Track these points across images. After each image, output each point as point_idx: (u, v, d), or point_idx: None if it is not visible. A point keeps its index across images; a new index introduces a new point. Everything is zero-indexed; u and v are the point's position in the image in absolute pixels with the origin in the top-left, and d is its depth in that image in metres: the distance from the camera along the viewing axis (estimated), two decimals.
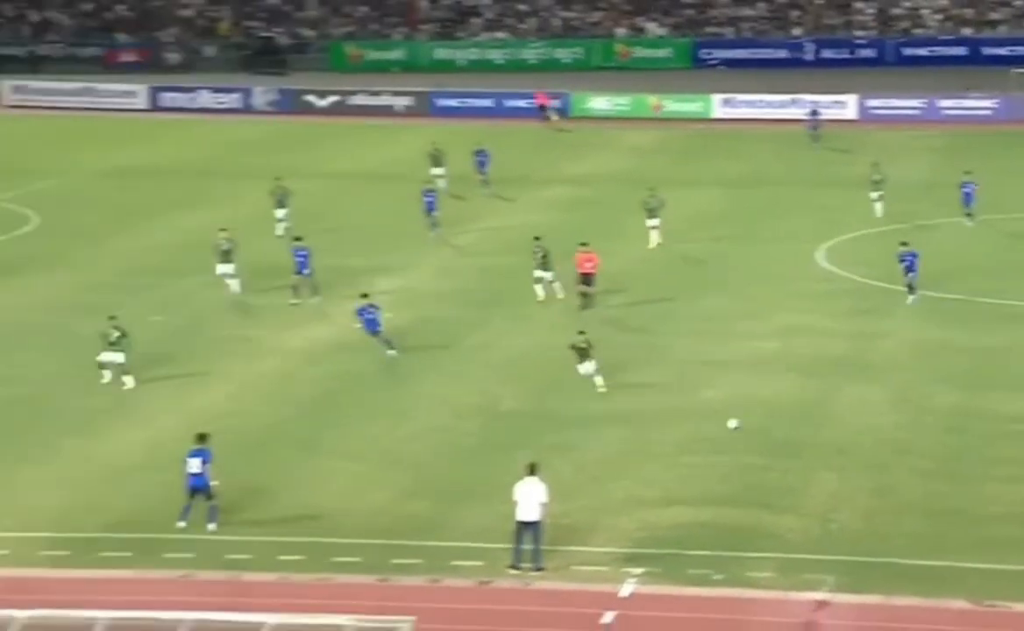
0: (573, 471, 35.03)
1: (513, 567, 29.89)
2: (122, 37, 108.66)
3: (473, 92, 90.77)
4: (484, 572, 30.06)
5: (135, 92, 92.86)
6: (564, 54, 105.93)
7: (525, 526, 29.94)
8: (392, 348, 42.44)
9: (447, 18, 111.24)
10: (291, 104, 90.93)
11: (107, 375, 40.19)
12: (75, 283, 51.33)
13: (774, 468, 35.20)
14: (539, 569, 29.88)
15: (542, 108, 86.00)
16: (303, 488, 34.06)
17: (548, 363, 41.94)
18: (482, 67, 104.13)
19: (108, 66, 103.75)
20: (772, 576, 29.76)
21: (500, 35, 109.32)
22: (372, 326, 42.41)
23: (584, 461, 35.82)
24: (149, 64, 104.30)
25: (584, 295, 47.26)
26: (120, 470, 35.15)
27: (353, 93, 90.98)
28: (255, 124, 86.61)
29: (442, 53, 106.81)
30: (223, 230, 49.61)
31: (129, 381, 40.22)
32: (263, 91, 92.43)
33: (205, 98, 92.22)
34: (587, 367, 39.47)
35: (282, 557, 30.40)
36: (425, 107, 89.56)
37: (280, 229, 56.12)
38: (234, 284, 48.83)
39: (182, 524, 31.57)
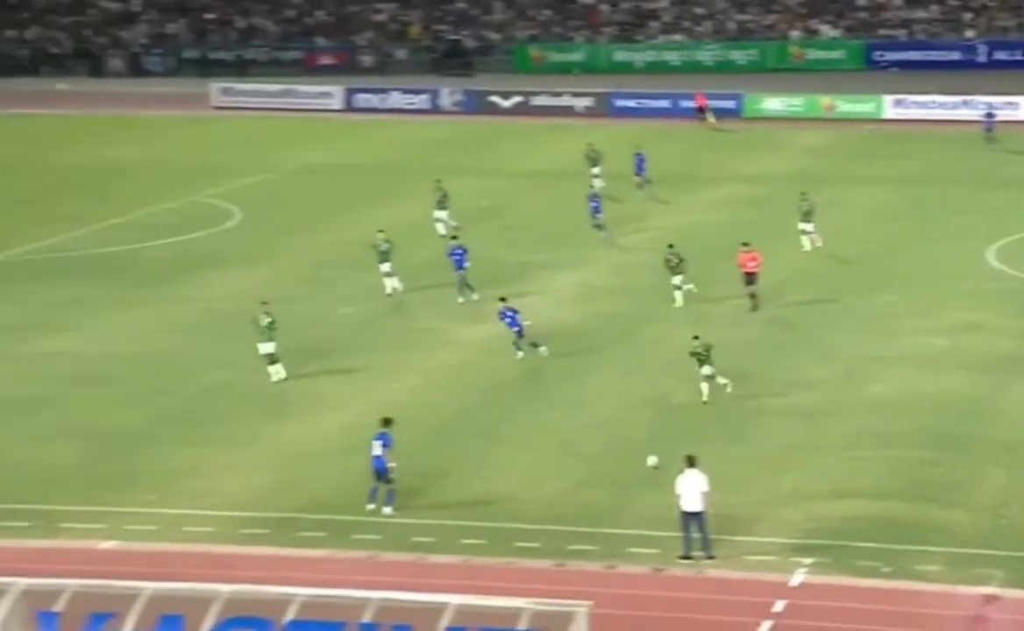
0: (743, 463, 34.76)
1: (684, 556, 29.73)
2: (321, 41, 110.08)
3: (650, 93, 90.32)
4: (658, 559, 29.97)
5: (331, 93, 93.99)
6: (739, 56, 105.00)
7: (690, 516, 29.76)
8: (539, 346, 41.93)
9: (626, 21, 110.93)
10: (476, 104, 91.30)
11: (275, 372, 40.17)
12: (273, 275, 52.11)
13: (942, 463, 34.56)
14: (710, 557, 29.69)
15: (701, 109, 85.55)
16: (484, 475, 34.23)
17: (719, 358, 41.57)
18: (659, 69, 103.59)
19: (308, 69, 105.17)
20: (941, 570, 29.24)
21: (677, 38, 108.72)
22: (514, 326, 42.00)
23: (754, 454, 35.51)
24: (345, 67, 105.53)
25: (751, 296, 46.69)
26: (315, 454, 35.64)
27: (536, 94, 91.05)
28: (442, 124, 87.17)
29: (621, 55, 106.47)
30: (381, 231, 49.78)
31: (277, 371, 40.02)
32: (450, 92, 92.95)
33: (396, 99, 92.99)
34: (707, 370, 38.44)
35: (464, 541, 30.59)
36: (604, 107, 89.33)
37: (441, 228, 56.14)
38: (392, 282, 48.89)
39: (371, 506, 31.92)
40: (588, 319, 46.38)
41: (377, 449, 32.03)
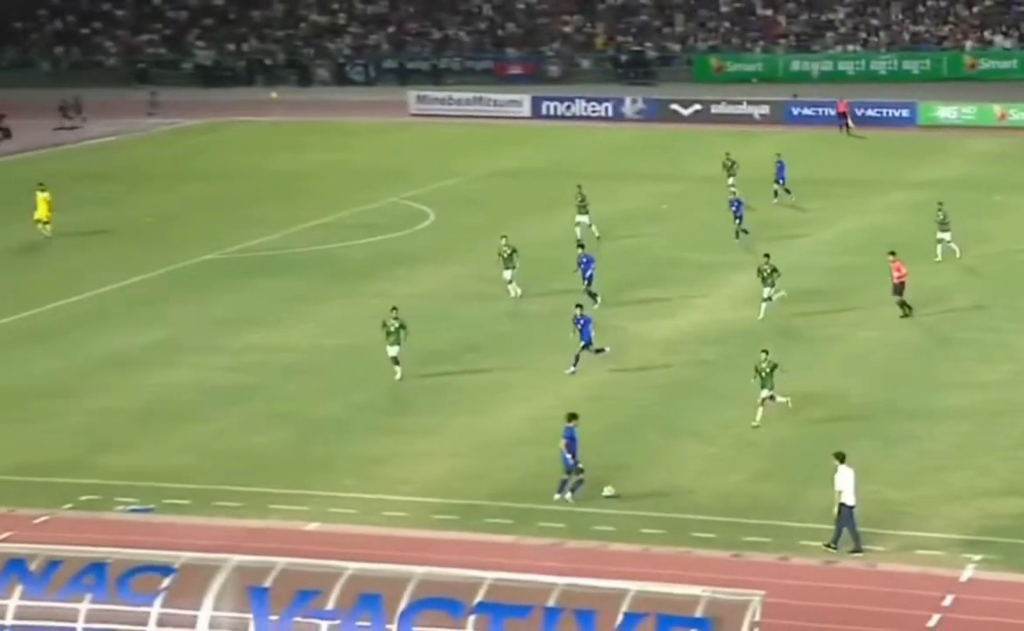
0: (915, 460, 34.17)
1: (829, 545, 29.46)
2: (511, 52, 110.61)
3: (826, 101, 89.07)
4: (829, 552, 29.56)
5: (520, 101, 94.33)
6: (913, 65, 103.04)
7: (849, 509, 29.38)
8: (601, 350, 40.98)
9: (803, 32, 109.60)
10: (657, 112, 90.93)
11: (398, 371, 39.56)
12: (462, 274, 52.48)
13: None
14: (859, 550, 29.38)
15: (842, 115, 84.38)
16: (664, 468, 34.11)
17: (895, 357, 40.98)
18: (835, 78, 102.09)
19: (499, 78, 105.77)
20: None
21: (852, 48, 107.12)
22: (585, 335, 41.08)
23: (926, 451, 34.87)
24: (533, 76, 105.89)
25: (900, 304, 45.39)
26: (502, 444, 35.83)
27: (715, 102, 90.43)
28: (624, 131, 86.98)
29: (797, 65, 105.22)
30: (503, 236, 49.70)
31: (398, 372, 39.52)
32: (632, 101, 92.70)
33: (580, 107, 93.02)
34: (764, 392, 36.35)
35: (644, 530, 30.50)
36: (780, 115, 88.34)
37: (579, 233, 55.43)
38: (512, 289, 48.49)
39: (557, 496, 31.99)
40: (766, 317, 45.85)
41: (563, 443, 32.11)
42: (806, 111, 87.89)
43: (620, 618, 22.42)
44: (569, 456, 31.91)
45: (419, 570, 23.65)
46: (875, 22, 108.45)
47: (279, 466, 34.59)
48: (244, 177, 73.40)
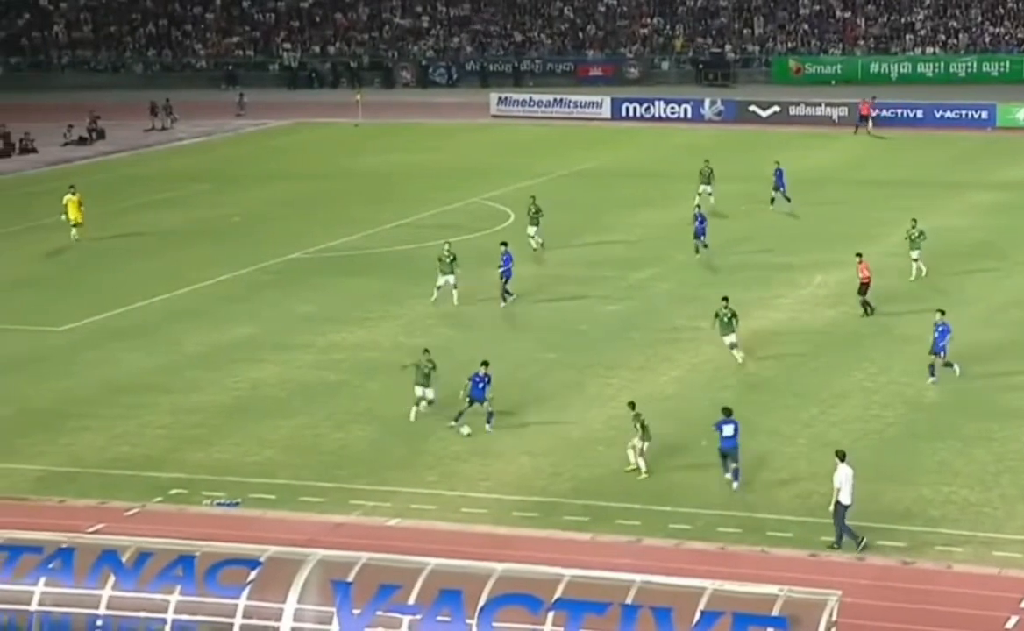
0: (992, 461, 33.79)
1: (834, 546, 29.39)
2: (591, 54, 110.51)
3: (905, 103, 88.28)
4: (906, 552, 29.35)
5: (600, 103, 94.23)
6: (992, 67, 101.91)
7: (844, 508, 29.39)
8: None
9: (882, 34, 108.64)
10: (736, 114, 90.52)
11: (414, 411, 37.01)
12: (545, 274, 52.45)
13: None
14: (862, 546, 29.38)
15: (864, 117, 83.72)
16: (742, 466, 33.89)
17: (972, 357, 40.50)
18: (913, 80, 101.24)
19: (579, 80, 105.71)
20: None
21: (931, 50, 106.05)
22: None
23: (1003, 452, 34.48)
24: (613, 78, 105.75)
25: (863, 305, 45.33)
26: (580, 443, 35.81)
27: (793, 104, 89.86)
28: (703, 132, 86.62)
29: (876, 67, 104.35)
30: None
31: (422, 407, 36.97)
32: (711, 102, 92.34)
33: (659, 108, 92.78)
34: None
35: (720, 529, 30.39)
36: (859, 117, 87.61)
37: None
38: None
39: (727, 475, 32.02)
40: (842, 318, 45.62)
41: (729, 431, 32.28)
42: (885, 113, 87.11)
43: (697, 616, 22.35)
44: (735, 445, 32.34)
45: (499, 566, 23.68)
46: (954, 24, 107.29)
47: (362, 462, 34.80)
48: (328, 177, 73.87)
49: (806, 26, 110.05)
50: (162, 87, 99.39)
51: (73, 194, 58.24)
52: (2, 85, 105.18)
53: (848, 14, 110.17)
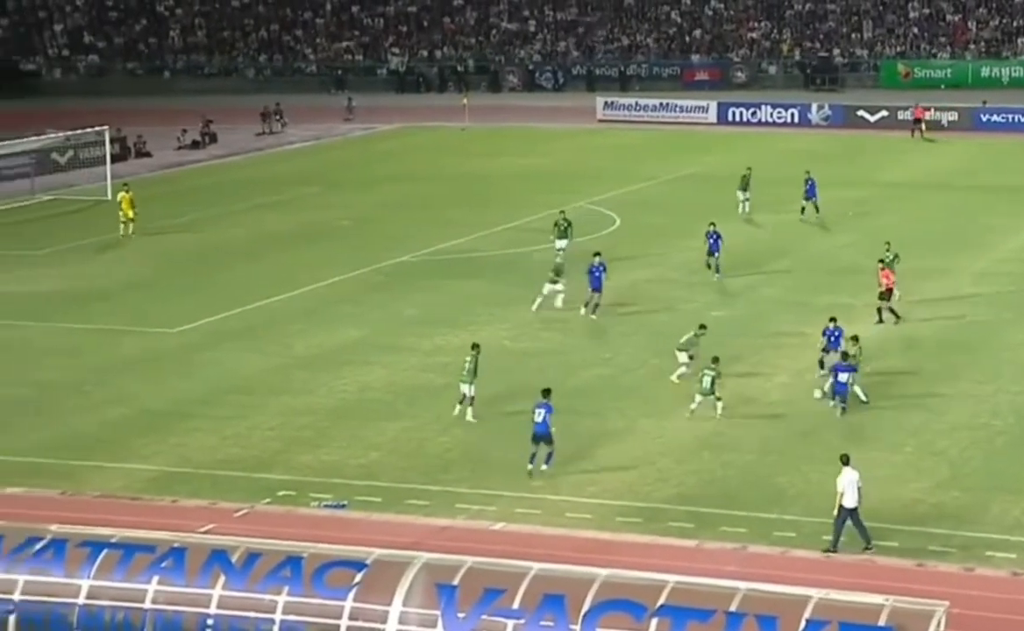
0: None
1: (829, 550, 29.28)
2: (698, 58, 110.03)
3: (1016, 108, 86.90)
4: (1016, 564, 28.85)
5: (706, 107, 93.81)
6: None
7: (849, 512, 29.21)
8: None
9: (993, 38, 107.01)
10: (844, 118, 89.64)
11: (458, 407, 37.58)
12: (647, 278, 52.33)
13: None
14: (868, 548, 29.24)
15: (917, 120, 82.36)
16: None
17: None
18: None
19: (685, 84, 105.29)
20: None
21: None
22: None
23: None
24: (719, 82, 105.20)
25: (879, 310, 44.82)
26: (684, 449, 35.61)
27: (902, 108, 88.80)
28: (810, 137, 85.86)
29: (987, 71, 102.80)
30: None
31: (469, 413, 37.31)
32: (819, 107, 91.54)
33: (766, 113, 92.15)
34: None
35: (826, 537, 30.03)
36: (969, 122, 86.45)
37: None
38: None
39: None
40: (952, 325, 44.97)
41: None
42: (996, 118, 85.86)
43: (802, 624, 22.10)
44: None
45: (603, 572, 23.56)
46: None
47: (467, 466, 34.88)
48: (435, 181, 74.20)
49: (915, 30, 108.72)
50: (273, 91, 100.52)
51: (127, 192, 61.20)
52: (119, 90, 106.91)
53: (958, 17, 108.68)
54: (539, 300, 47.62)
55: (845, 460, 29.89)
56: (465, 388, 37.49)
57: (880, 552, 29.47)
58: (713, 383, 36.84)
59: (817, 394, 38.20)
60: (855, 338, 39.10)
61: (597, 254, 48.09)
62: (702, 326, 40.31)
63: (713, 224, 52.51)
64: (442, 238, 59.40)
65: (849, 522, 29.51)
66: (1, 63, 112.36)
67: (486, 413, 38.30)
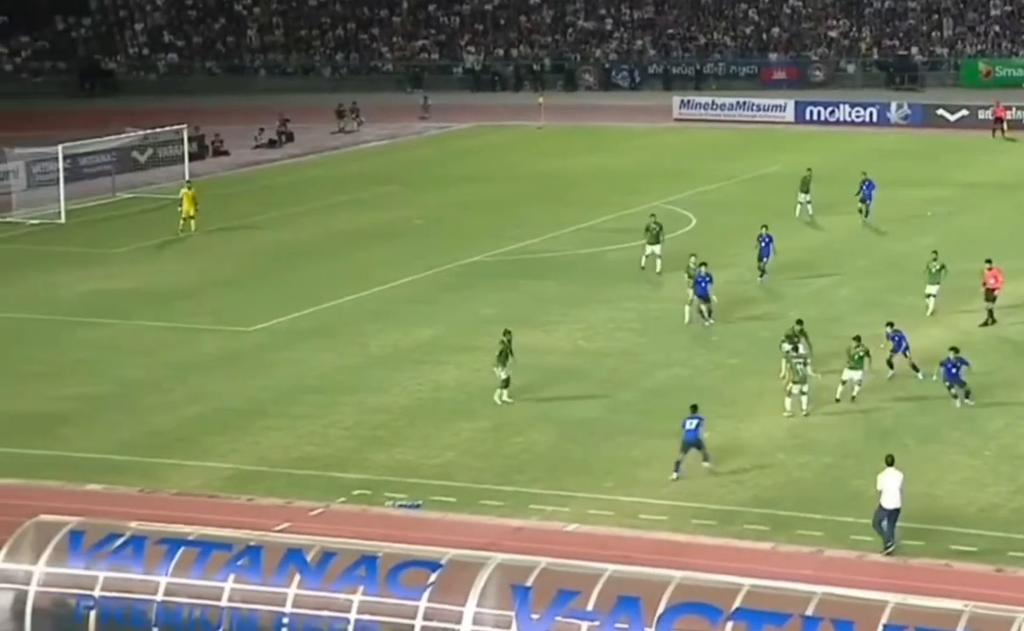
0: None
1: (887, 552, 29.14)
2: (775, 57, 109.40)
3: None
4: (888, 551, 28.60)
5: (783, 106, 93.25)
6: None
7: (888, 513, 29.09)
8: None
9: None
10: (923, 118, 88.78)
11: (499, 394, 38.72)
12: (721, 279, 51.78)
13: None
14: (890, 549, 29.10)
15: (999, 120, 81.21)
16: (924, 477, 33.28)
17: None
18: None
19: (762, 83, 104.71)
20: None
21: None
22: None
23: None
24: (797, 81, 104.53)
25: (989, 311, 44.46)
26: (762, 450, 35.47)
27: (983, 108, 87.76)
28: (889, 136, 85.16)
29: None
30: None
31: (504, 395, 38.68)
32: (898, 106, 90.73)
33: (844, 112, 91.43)
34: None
35: (903, 542, 29.81)
36: None
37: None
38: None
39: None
40: None
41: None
42: None
43: (879, 630, 21.99)
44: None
45: (677, 574, 23.57)
46: None
47: (540, 466, 34.93)
48: (510, 180, 74.29)
49: (997, 27, 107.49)
50: (349, 90, 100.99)
51: (189, 189, 62.52)
52: (198, 89, 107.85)
53: None
54: (688, 311, 46.44)
55: (890, 461, 29.77)
56: (499, 372, 38.38)
57: (958, 557, 29.20)
58: (805, 377, 37.04)
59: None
60: (955, 349, 38.51)
61: (703, 264, 46.64)
62: (799, 321, 40.23)
63: (765, 227, 51.99)
64: (517, 238, 59.46)
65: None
66: (83, 62, 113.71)
67: (559, 415, 38.33)
